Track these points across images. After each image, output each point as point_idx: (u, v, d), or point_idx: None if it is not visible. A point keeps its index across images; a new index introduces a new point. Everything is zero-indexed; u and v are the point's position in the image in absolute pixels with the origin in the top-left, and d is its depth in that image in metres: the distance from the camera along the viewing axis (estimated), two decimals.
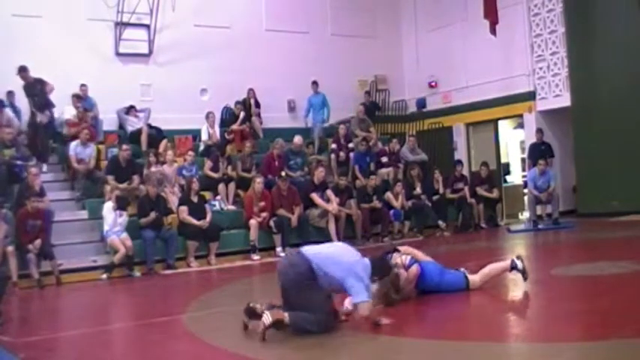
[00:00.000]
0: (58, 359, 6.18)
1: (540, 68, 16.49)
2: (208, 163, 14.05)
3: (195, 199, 12.59)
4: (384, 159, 15.91)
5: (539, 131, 15.80)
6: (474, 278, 6.96)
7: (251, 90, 16.50)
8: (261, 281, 10.77)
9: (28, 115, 13.84)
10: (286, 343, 5.65)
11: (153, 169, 13.23)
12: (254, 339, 5.60)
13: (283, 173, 13.67)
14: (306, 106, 17.17)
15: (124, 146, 13.25)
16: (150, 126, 14.83)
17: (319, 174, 13.87)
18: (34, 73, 13.59)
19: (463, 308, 6.33)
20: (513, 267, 7.00)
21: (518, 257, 7.06)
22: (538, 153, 15.25)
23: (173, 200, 12.82)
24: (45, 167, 13.47)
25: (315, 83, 17.00)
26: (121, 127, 15.12)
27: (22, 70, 13.52)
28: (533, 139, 15.91)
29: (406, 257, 6.95)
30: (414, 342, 5.55)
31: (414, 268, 6.84)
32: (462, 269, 7.14)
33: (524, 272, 6.96)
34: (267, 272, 11.36)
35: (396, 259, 6.83)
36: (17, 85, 13.62)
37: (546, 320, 5.88)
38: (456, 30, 18.02)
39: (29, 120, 13.77)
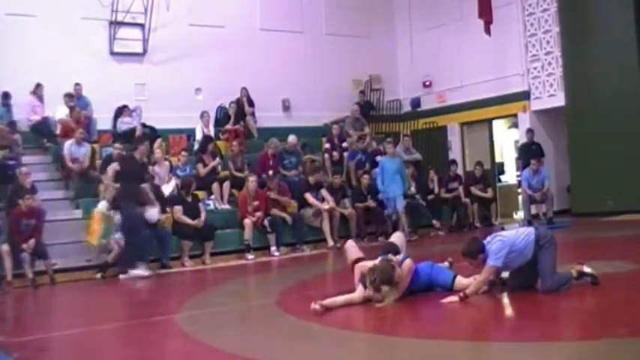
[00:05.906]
0: (51, 359, 6.17)
1: (535, 68, 16.53)
2: (198, 165, 14.03)
3: (189, 198, 12.58)
4: (379, 158, 15.90)
5: (530, 131, 15.82)
6: (463, 280, 6.92)
7: (244, 89, 16.45)
8: (255, 281, 10.78)
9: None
10: (279, 341, 5.67)
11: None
12: (248, 338, 5.58)
13: (270, 172, 13.66)
14: (379, 171, 14.05)
15: (117, 145, 13.21)
16: (144, 125, 14.78)
17: (318, 177, 13.88)
18: (27, 74, 13.52)
19: (454, 308, 6.33)
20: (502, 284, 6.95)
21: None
22: (529, 153, 15.27)
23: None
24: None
25: (390, 143, 14.61)
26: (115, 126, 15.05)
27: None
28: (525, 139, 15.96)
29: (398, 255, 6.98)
30: (407, 341, 5.56)
31: (408, 262, 6.84)
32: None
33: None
34: (261, 272, 11.39)
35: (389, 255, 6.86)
36: (12, 86, 13.56)
37: (539, 319, 5.88)
38: (451, 29, 18.03)
39: None
